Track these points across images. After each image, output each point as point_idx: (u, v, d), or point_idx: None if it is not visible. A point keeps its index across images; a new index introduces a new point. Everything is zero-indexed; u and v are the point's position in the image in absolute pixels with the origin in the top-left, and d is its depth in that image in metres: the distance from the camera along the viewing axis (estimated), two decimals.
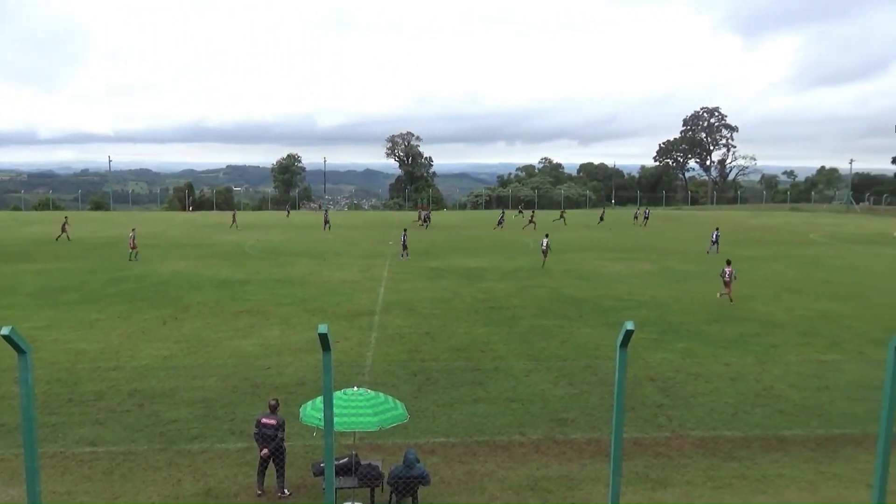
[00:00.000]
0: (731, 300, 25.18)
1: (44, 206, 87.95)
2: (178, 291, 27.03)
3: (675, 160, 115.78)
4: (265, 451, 10.44)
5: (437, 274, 31.83)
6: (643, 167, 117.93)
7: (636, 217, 66.25)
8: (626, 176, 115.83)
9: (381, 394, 10.51)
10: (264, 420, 10.66)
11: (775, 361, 17.68)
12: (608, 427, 12.13)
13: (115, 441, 12.40)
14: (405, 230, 39.88)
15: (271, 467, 10.55)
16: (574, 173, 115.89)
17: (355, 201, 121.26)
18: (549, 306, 24.51)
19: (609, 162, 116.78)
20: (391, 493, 9.75)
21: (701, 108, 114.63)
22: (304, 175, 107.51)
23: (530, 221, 56.66)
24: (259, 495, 10.45)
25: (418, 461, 9.77)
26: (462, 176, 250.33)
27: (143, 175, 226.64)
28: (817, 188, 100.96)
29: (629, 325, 5.57)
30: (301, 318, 22.31)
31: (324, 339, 5.66)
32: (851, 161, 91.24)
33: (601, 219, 63.59)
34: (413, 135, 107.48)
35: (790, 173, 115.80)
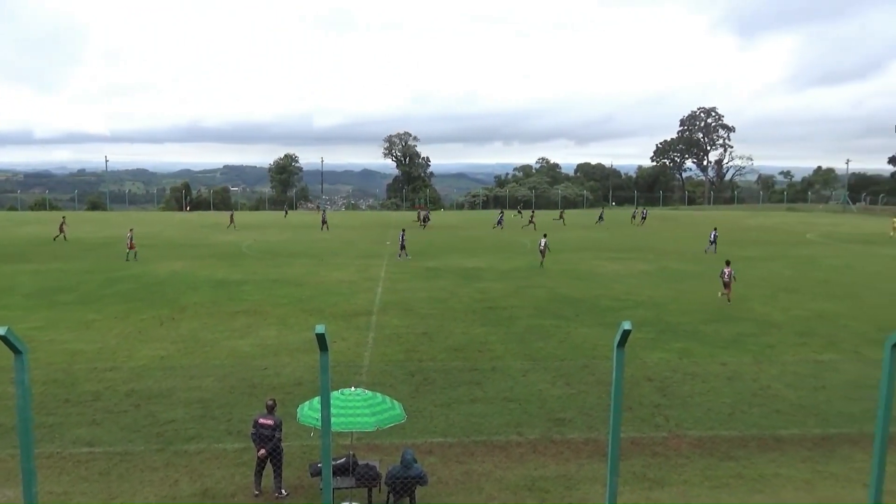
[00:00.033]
0: (729, 300, 25.23)
1: (40, 206, 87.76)
2: (175, 292, 26.99)
3: (672, 160, 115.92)
4: (262, 451, 10.43)
5: (435, 274, 31.83)
6: (640, 167, 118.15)
7: (634, 217, 66.44)
8: (624, 176, 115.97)
9: (378, 394, 10.50)
10: (261, 420, 10.65)
11: (772, 361, 17.72)
12: (605, 427, 12.15)
13: (112, 441, 12.37)
14: (403, 230, 39.87)
15: (269, 468, 10.54)
16: (571, 173, 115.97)
17: (352, 201, 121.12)
18: (546, 306, 24.53)
19: (606, 162, 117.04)
20: (389, 493, 9.75)
21: (698, 109, 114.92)
22: (302, 175, 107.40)
23: (530, 222, 56.66)
24: (256, 496, 10.43)
25: (416, 461, 9.77)
26: (459, 176, 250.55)
27: (140, 175, 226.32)
28: (814, 188, 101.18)
29: (626, 325, 5.58)
30: (298, 319, 22.29)
31: (321, 339, 5.65)
32: (848, 161, 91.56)
33: (600, 218, 63.70)
34: (410, 135, 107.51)
35: (787, 173, 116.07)
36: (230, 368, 16.74)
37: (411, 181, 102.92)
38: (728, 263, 26.06)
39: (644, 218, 63.88)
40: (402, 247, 37.36)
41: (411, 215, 71.25)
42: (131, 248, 36.12)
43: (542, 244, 34.94)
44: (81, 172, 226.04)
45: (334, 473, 9.86)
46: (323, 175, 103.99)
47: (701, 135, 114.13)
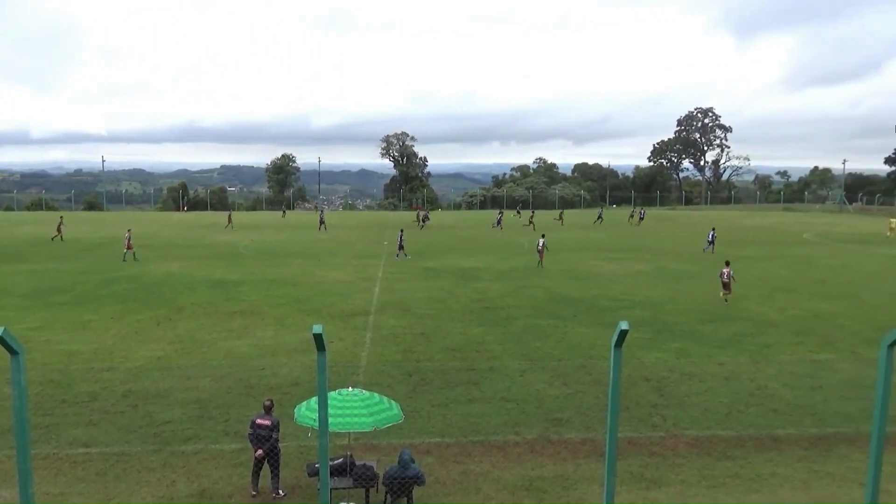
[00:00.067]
0: (727, 300, 25.27)
1: (37, 206, 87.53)
2: (172, 292, 26.95)
3: (670, 160, 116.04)
4: (260, 451, 10.42)
5: (432, 274, 31.82)
6: (637, 167, 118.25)
7: (632, 216, 66.60)
8: (621, 176, 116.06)
9: (375, 394, 10.49)
10: (259, 421, 10.64)
11: (769, 361, 17.75)
12: (603, 427, 12.15)
13: (109, 442, 12.35)
14: (402, 230, 39.89)
15: (266, 468, 10.53)
16: (569, 173, 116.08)
17: (350, 201, 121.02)
18: (543, 306, 24.54)
19: (603, 162, 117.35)
20: (386, 493, 9.74)
21: (695, 109, 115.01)
22: (299, 175, 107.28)
23: (530, 222, 56.54)
24: (253, 496, 10.42)
25: (413, 461, 9.76)
26: (457, 176, 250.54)
27: (137, 175, 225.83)
28: (810, 188, 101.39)
29: (624, 325, 5.58)
30: (295, 319, 22.27)
31: (318, 339, 5.65)
32: (844, 161, 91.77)
33: (599, 217, 63.87)
34: (408, 135, 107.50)
35: (784, 173, 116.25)
36: (227, 369, 16.72)
37: (409, 181, 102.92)
38: (727, 264, 26.10)
39: (642, 218, 64.01)
40: (401, 247, 37.37)
41: (409, 215, 71.22)
42: (129, 248, 36.06)
43: (541, 244, 34.96)
44: (78, 172, 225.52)
45: (332, 474, 9.85)
46: (320, 175, 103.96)
47: (698, 135, 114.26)
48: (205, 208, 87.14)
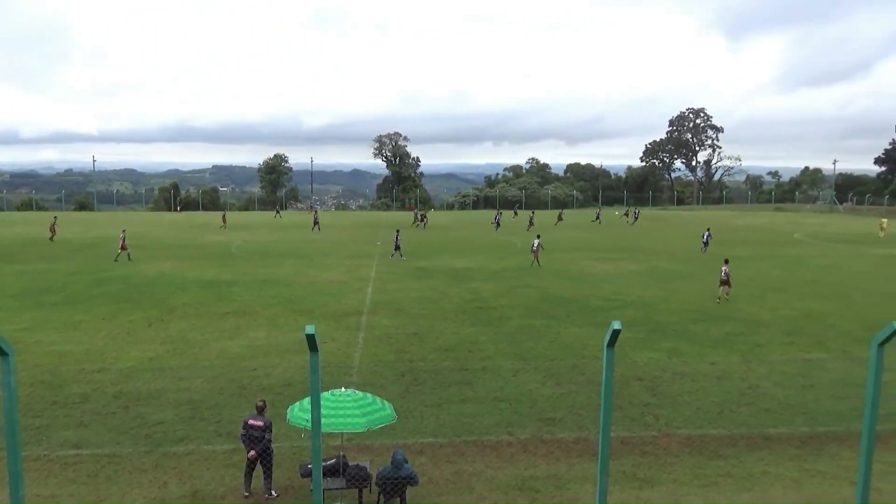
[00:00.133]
0: (719, 299, 25.38)
1: (27, 206, 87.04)
2: (164, 292, 26.83)
3: (662, 160, 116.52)
4: (252, 452, 10.39)
5: (425, 274, 31.81)
6: (630, 167, 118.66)
7: (626, 214, 67.41)
8: (613, 176, 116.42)
9: (368, 394, 10.48)
10: (251, 421, 10.60)
11: (760, 360, 17.83)
12: (596, 426, 12.19)
13: (100, 443, 12.27)
14: (397, 231, 39.92)
15: (259, 469, 10.49)
16: (561, 173, 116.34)
17: (342, 201, 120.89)
18: (536, 306, 24.57)
19: (596, 162, 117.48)
20: (379, 493, 9.73)
21: (687, 109, 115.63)
22: (291, 175, 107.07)
23: (530, 223, 56.53)
24: (246, 497, 10.39)
25: (406, 462, 9.76)
26: (449, 176, 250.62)
27: (128, 175, 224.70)
28: (801, 188, 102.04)
29: (616, 325, 5.60)
30: (288, 319, 22.21)
31: (311, 339, 5.64)
32: (835, 162, 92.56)
33: (597, 218, 64.60)
34: (400, 135, 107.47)
35: (775, 174, 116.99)
36: (219, 369, 16.66)
37: (401, 181, 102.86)
38: (727, 262, 26.21)
39: (636, 217, 64.53)
40: (397, 247, 37.37)
41: (402, 215, 71.20)
42: (123, 248, 35.89)
43: (535, 245, 35.02)
44: (69, 172, 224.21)
45: (325, 474, 9.84)
46: (313, 175, 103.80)
47: (690, 135, 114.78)
48: (196, 208, 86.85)
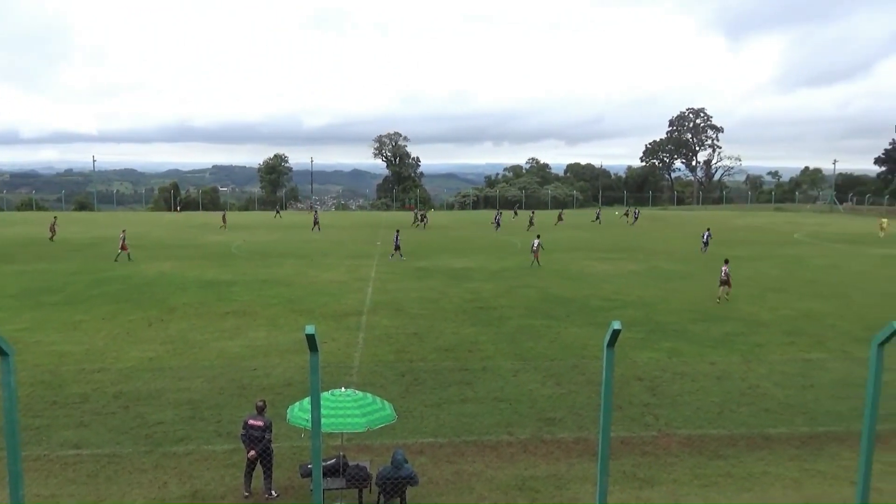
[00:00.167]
0: (719, 299, 25.38)
1: (27, 206, 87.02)
2: (164, 292, 26.83)
3: (662, 160, 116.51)
4: (252, 452, 10.38)
5: (425, 274, 31.81)
6: (630, 167, 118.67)
7: (626, 214, 67.58)
8: (613, 176, 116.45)
9: (368, 394, 10.48)
10: (251, 421, 10.60)
11: (760, 360, 17.83)
12: (595, 426, 12.19)
13: (100, 444, 12.27)
14: (398, 231, 39.94)
15: (258, 469, 10.49)
16: (561, 173, 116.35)
17: (342, 201, 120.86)
18: (536, 306, 24.57)
19: (596, 162, 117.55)
20: (379, 493, 9.73)
21: (687, 109, 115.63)
22: (291, 175, 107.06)
23: (531, 223, 56.55)
24: (246, 497, 10.39)
25: (406, 462, 9.76)
26: (449, 176, 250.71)
27: (128, 175, 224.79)
28: (801, 188, 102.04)
29: (616, 325, 5.60)
30: (288, 319, 22.21)
31: (311, 339, 5.64)
32: (835, 162, 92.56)
33: (597, 218, 64.70)
34: (400, 135, 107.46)
35: (775, 174, 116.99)
36: (219, 369, 16.66)
37: (401, 181, 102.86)
38: (727, 262, 26.22)
39: (636, 217, 64.68)
40: (397, 247, 37.39)
41: (402, 215, 71.21)
42: (124, 248, 35.88)
43: (535, 245, 35.03)
44: (68, 172, 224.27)
45: (325, 474, 9.84)
46: (313, 175, 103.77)
47: (690, 135, 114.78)
48: (196, 208, 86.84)
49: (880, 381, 5.72)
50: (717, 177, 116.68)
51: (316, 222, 55.33)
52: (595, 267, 34.45)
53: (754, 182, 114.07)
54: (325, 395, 9.69)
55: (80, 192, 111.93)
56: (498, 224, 56.66)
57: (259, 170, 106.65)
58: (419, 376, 16.16)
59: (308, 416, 8.63)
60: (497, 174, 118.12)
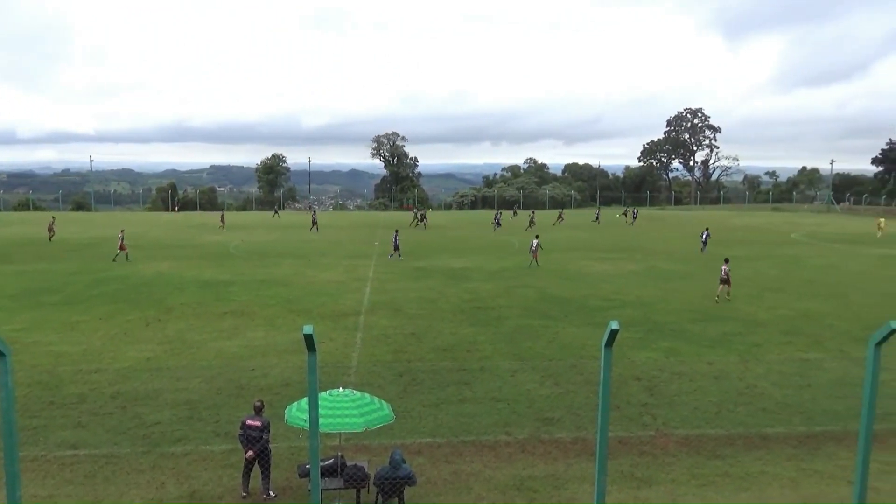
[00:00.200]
0: (717, 299, 25.41)
1: (24, 206, 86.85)
2: (162, 292, 26.79)
3: (659, 160, 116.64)
4: (250, 452, 10.38)
5: (423, 274, 31.81)
6: (627, 167, 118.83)
7: (625, 214, 67.73)
8: (611, 176, 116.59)
9: (366, 394, 10.47)
10: (249, 422, 10.60)
11: (758, 360, 17.85)
12: (593, 426, 12.20)
13: (98, 444, 12.26)
14: (396, 231, 39.93)
15: (256, 469, 10.49)
16: (559, 173, 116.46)
17: (340, 201, 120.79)
18: (534, 306, 24.58)
19: (594, 162, 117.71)
20: (377, 493, 9.73)
21: (685, 109, 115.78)
22: (289, 175, 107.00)
23: (530, 223, 56.53)
24: (244, 497, 10.38)
25: (404, 462, 9.76)
26: (447, 176, 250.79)
27: (126, 175, 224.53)
28: (799, 188, 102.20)
29: (614, 325, 5.61)
30: (286, 319, 22.19)
31: (309, 339, 5.64)
32: (832, 162, 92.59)
33: (597, 218, 64.86)
34: (398, 135, 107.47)
35: (772, 174, 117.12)
36: (217, 370, 16.64)
37: (399, 181, 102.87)
38: (727, 261, 26.25)
39: (635, 217, 64.87)
40: (396, 247, 37.40)
41: (400, 215, 71.19)
42: (122, 249, 35.84)
43: (534, 245, 35.04)
44: (66, 172, 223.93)
45: (323, 474, 9.83)
46: (310, 175, 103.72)
47: (687, 135, 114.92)
48: (194, 208, 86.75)
49: (878, 380, 5.73)
50: (714, 177, 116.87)
51: (314, 222, 55.31)
52: (593, 267, 34.47)
53: (752, 182, 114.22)
54: (322, 395, 9.68)
55: (77, 192, 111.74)
56: (498, 224, 56.75)
57: (257, 170, 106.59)
58: (417, 376, 16.16)
59: (306, 416, 8.62)
60: (495, 174, 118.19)
